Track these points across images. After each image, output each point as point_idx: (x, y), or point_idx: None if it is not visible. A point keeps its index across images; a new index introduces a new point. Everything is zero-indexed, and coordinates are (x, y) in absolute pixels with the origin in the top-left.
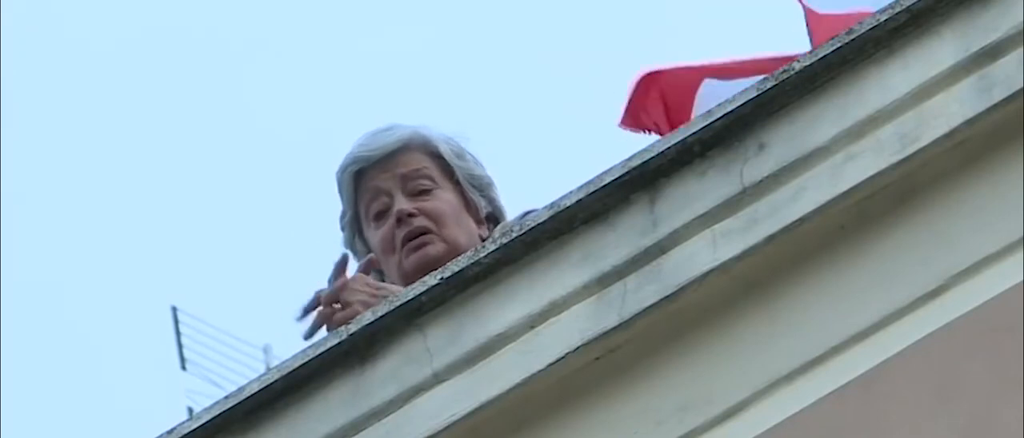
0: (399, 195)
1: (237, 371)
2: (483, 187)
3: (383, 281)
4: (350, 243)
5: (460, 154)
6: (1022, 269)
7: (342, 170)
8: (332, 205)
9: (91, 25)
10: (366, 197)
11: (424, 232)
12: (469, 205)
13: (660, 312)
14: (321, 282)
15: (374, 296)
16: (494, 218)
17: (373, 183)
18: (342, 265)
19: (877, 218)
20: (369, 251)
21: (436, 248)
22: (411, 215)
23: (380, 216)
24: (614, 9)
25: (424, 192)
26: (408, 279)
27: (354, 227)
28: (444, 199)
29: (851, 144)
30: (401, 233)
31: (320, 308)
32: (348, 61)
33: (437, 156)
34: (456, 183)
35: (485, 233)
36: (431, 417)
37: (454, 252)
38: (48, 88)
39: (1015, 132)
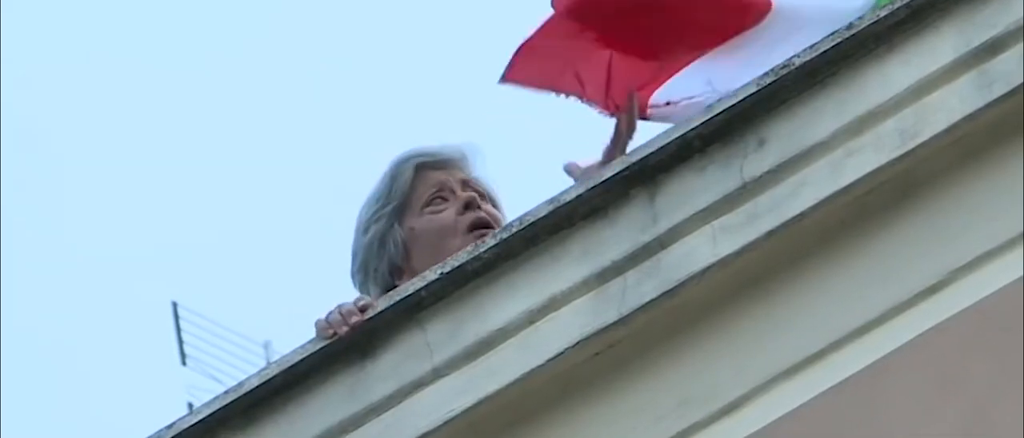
0: (462, 192)
1: (238, 366)
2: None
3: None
4: (383, 233)
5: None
6: (1022, 264)
7: (404, 160)
8: (331, 204)
9: (105, 16)
10: (423, 187)
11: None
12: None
13: (660, 307)
14: (321, 279)
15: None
16: None
17: (437, 176)
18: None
19: (877, 213)
20: (403, 239)
21: None
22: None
23: (438, 203)
24: None
25: (481, 198)
26: None
27: (395, 216)
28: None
29: (851, 139)
30: (473, 216)
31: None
32: (346, 61)
33: (479, 178)
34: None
35: None
36: (431, 412)
37: None
38: (49, 82)
39: (1015, 128)
